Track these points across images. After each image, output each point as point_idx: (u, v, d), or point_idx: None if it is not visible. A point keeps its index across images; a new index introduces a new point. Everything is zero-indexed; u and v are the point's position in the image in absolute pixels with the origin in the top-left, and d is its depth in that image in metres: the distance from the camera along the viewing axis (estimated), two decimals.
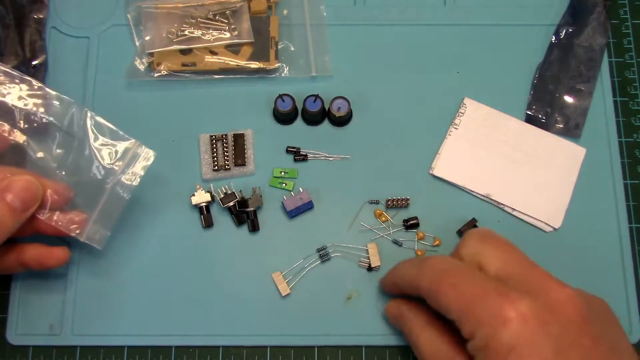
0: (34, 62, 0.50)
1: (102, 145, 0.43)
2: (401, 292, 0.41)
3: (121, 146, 0.43)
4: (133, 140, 0.43)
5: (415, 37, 0.52)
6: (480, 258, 0.37)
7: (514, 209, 0.47)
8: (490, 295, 0.33)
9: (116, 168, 0.42)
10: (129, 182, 0.42)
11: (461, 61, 0.52)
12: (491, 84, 0.51)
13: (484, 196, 0.48)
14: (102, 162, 0.42)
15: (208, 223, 0.47)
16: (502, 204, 0.47)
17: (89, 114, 0.43)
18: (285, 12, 0.52)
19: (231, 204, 0.47)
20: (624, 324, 0.45)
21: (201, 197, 0.47)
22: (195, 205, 0.47)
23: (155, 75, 0.50)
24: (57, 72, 0.51)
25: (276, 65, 0.50)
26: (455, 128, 0.49)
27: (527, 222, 0.47)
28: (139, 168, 0.43)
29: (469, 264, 0.37)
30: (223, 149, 0.48)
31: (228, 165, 0.48)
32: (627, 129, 0.51)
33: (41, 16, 0.52)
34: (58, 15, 0.53)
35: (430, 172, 0.48)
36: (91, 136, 0.43)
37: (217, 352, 0.45)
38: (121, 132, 0.43)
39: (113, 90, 0.51)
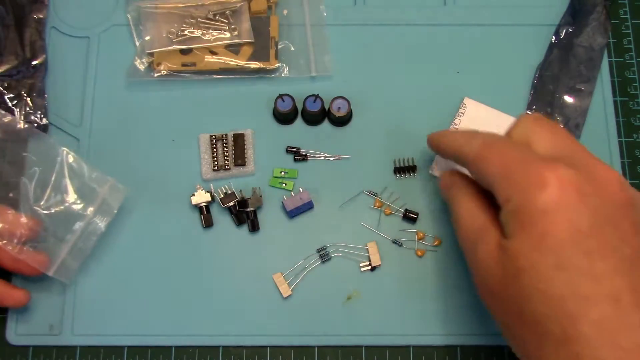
0: (34, 62, 0.50)
1: (77, 183, 0.45)
2: (445, 155, 0.42)
3: (96, 184, 0.45)
4: (108, 178, 0.45)
5: (415, 37, 0.52)
6: (531, 138, 0.36)
7: None
8: (532, 161, 0.33)
9: (90, 206, 0.44)
10: (101, 220, 0.45)
11: (461, 61, 0.52)
12: (491, 84, 0.51)
13: None
14: (76, 199, 0.45)
15: (208, 223, 0.47)
16: None
17: (66, 153, 0.45)
18: (285, 12, 0.52)
19: (231, 204, 0.47)
20: None
21: (201, 197, 0.47)
22: (195, 205, 0.47)
23: (155, 75, 0.50)
24: (57, 72, 0.51)
25: (276, 65, 0.50)
26: (455, 128, 0.49)
27: None
28: (112, 205, 0.45)
29: (519, 141, 0.37)
30: (223, 149, 0.48)
31: (228, 165, 0.48)
32: (627, 129, 0.51)
33: (41, 16, 0.52)
34: (58, 15, 0.53)
35: (431, 172, 0.48)
36: (67, 174, 0.45)
37: (217, 352, 0.45)
38: (96, 171, 0.45)
39: (113, 90, 0.51)
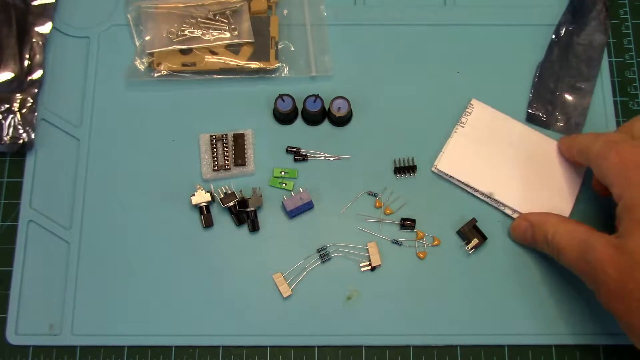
0: (30, 78, 0.50)
1: None
2: (572, 157, 0.46)
3: None
4: None
5: (415, 37, 0.52)
6: None
7: (515, 210, 0.47)
8: None
9: None
10: None
11: (461, 61, 0.51)
12: (491, 84, 0.51)
13: (486, 195, 0.47)
14: None
15: (208, 223, 0.47)
16: (505, 205, 0.47)
17: None
18: (285, 12, 0.52)
19: (231, 204, 0.47)
20: None
21: (201, 197, 0.47)
22: (195, 205, 0.47)
23: (155, 75, 0.50)
24: (57, 72, 0.51)
25: (276, 65, 0.50)
26: (462, 126, 0.49)
27: None
28: None
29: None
30: (223, 149, 0.48)
31: (228, 165, 0.48)
32: None
33: (45, 32, 0.51)
34: (58, 15, 0.53)
35: (434, 168, 0.48)
36: None
37: (217, 352, 0.45)
38: None
39: (113, 90, 0.51)
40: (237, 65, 0.50)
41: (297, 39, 0.51)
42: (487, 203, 0.48)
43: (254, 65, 0.50)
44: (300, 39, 0.51)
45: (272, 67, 0.50)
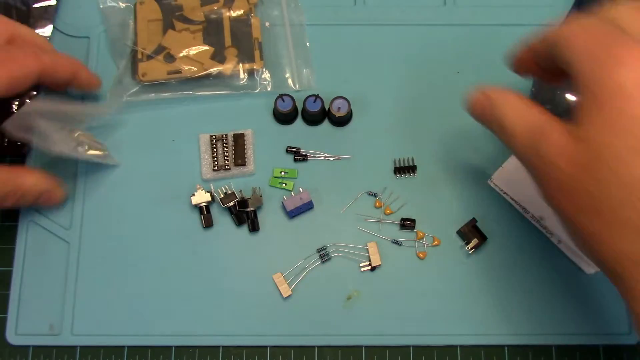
0: None
1: None
2: (533, 56, 0.38)
3: None
4: None
5: (415, 37, 0.52)
6: (625, 20, 0.32)
7: (560, 241, 0.46)
8: (619, 37, 0.30)
9: None
10: None
11: (461, 61, 0.51)
12: (491, 84, 0.51)
13: (536, 219, 0.46)
14: None
15: (208, 223, 0.47)
16: (552, 233, 0.46)
17: None
18: (267, 24, 0.51)
19: (231, 204, 0.47)
20: None
21: (201, 197, 0.47)
22: (195, 205, 0.47)
23: (140, 85, 0.49)
24: None
25: (262, 66, 0.49)
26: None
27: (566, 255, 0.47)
28: None
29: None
30: (223, 149, 0.48)
31: (228, 165, 0.48)
32: None
33: (46, 34, 0.51)
34: (58, 15, 0.53)
35: (490, 182, 0.47)
36: None
37: (217, 352, 0.45)
38: None
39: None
40: (224, 70, 0.49)
41: (279, 53, 0.51)
42: (487, 203, 0.48)
43: (241, 68, 0.49)
44: (282, 53, 0.51)
45: (258, 67, 0.49)
